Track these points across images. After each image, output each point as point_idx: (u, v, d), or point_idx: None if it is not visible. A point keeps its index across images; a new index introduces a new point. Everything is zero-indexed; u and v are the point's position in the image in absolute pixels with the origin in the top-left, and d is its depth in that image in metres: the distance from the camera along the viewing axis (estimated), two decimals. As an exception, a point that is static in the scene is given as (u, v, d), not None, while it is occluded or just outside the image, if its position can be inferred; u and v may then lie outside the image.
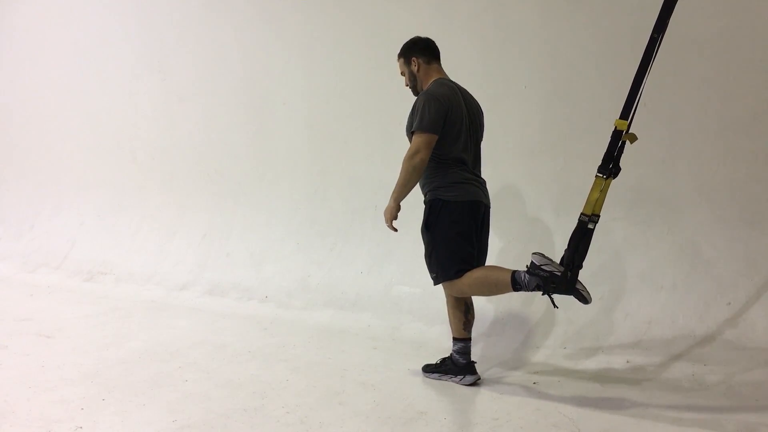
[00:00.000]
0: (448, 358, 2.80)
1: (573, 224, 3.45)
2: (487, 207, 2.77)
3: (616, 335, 3.05)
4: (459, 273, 2.62)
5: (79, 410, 2.48)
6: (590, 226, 2.34)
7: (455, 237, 2.64)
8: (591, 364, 2.92)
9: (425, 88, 2.73)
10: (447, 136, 2.61)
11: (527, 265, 2.46)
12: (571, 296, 2.41)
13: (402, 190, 2.65)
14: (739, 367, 2.71)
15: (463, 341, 2.75)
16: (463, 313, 2.77)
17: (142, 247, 5.04)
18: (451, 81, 2.76)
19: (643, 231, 3.25)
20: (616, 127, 2.31)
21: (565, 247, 2.42)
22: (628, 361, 2.90)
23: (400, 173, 2.63)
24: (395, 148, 4.03)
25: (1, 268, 5.42)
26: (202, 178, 4.94)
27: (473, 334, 2.93)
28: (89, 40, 5.49)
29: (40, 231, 5.72)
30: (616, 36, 3.31)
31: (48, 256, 5.42)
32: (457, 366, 2.74)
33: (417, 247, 3.06)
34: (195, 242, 4.81)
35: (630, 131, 2.31)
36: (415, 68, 2.76)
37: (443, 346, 3.14)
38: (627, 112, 2.29)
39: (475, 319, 2.80)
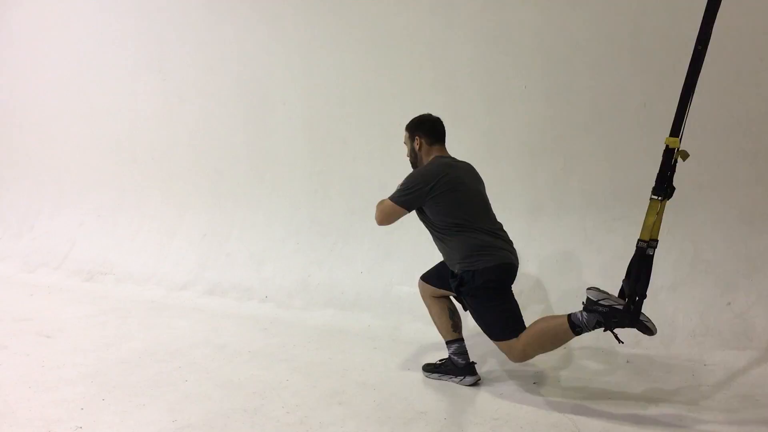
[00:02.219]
0: (447, 359, 2.80)
1: (573, 224, 3.48)
2: (516, 266, 2.65)
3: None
4: (508, 333, 2.51)
5: (79, 410, 2.48)
6: (649, 252, 2.22)
7: (495, 300, 2.55)
8: (591, 364, 2.92)
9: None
10: (448, 203, 2.58)
11: (583, 302, 2.34)
12: (633, 328, 2.28)
13: None
14: (739, 367, 2.71)
15: (456, 342, 2.76)
16: (448, 317, 2.78)
17: (142, 247, 5.04)
18: (450, 157, 2.76)
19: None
20: (667, 146, 2.20)
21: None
22: (628, 361, 2.90)
23: (376, 209, 2.76)
24: (395, 148, 4.03)
25: (1, 268, 5.42)
26: (202, 178, 4.94)
27: (472, 334, 2.93)
28: (89, 40, 5.49)
29: (40, 231, 5.72)
30: (616, 36, 3.32)
31: (48, 256, 5.42)
32: (457, 367, 2.74)
33: (417, 247, 3.07)
34: (195, 242, 4.81)
35: (687, 149, 2.20)
36: (417, 146, 2.77)
37: (443, 346, 3.14)
38: (677, 128, 2.19)
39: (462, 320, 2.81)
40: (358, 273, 4.02)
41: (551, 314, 2.58)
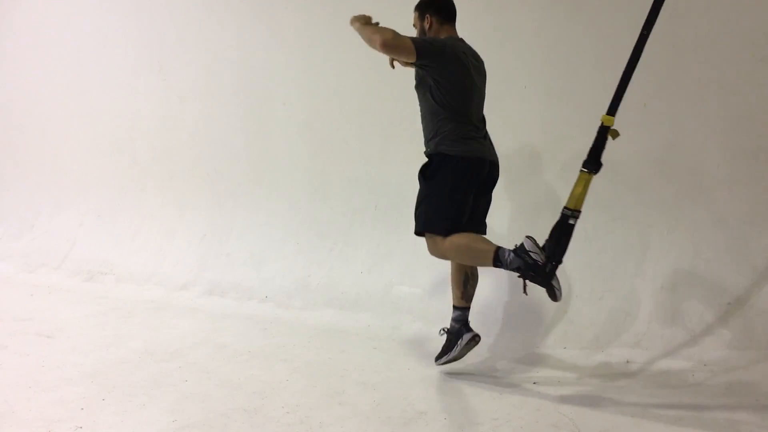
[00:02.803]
0: (447, 332, 2.81)
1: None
2: (494, 163, 2.71)
3: (616, 335, 3.04)
4: (444, 231, 2.58)
5: (79, 410, 2.48)
6: (571, 221, 2.35)
7: (450, 194, 2.60)
8: (591, 364, 2.92)
9: None
10: (454, 88, 2.60)
11: (516, 245, 2.44)
12: (544, 288, 2.40)
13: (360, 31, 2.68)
14: (739, 367, 2.71)
15: (461, 309, 2.79)
16: (462, 282, 2.79)
17: (142, 247, 5.03)
18: (463, 41, 2.74)
19: (643, 231, 3.25)
20: (602, 123, 2.33)
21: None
22: (628, 361, 2.90)
23: (366, 33, 2.64)
24: (395, 148, 4.04)
25: (1, 268, 5.41)
26: (202, 178, 4.94)
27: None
28: (89, 39, 5.49)
29: (40, 231, 5.72)
30: (616, 36, 3.31)
31: (48, 256, 5.41)
32: (452, 333, 2.77)
33: (417, 247, 3.07)
34: (195, 242, 4.81)
35: (614, 127, 2.33)
36: (427, 25, 2.73)
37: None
38: (614, 107, 2.32)
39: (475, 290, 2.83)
40: (358, 273, 4.02)
41: (484, 238, 2.62)
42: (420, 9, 2.77)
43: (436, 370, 2.87)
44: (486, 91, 2.85)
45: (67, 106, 5.71)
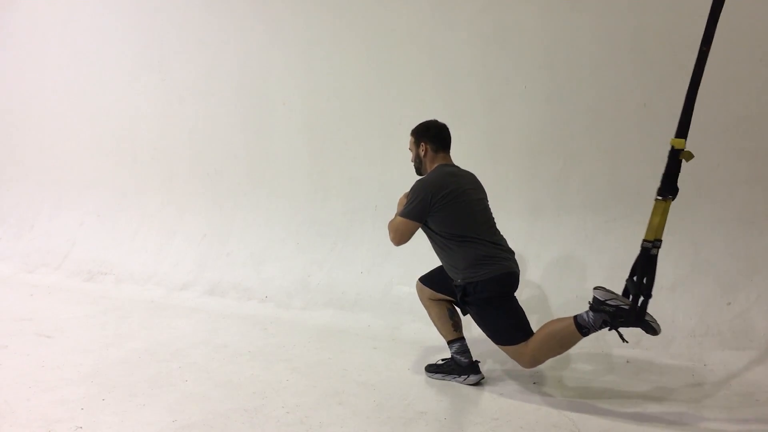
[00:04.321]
0: (450, 359, 2.79)
1: (573, 224, 3.48)
2: (518, 275, 2.66)
3: (616, 335, 3.04)
4: (522, 340, 2.52)
5: (79, 410, 2.48)
6: (654, 252, 2.25)
7: (501, 311, 2.57)
8: (591, 364, 2.92)
9: (427, 173, 2.75)
10: (451, 215, 2.59)
11: (589, 302, 2.36)
12: (639, 328, 2.31)
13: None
14: (739, 367, 2.71)
15: (458, 341, 2.76)
16: (448, 317, 2.78)
17: (142, 247, 5.04)
18: (454, 166, 2.76)
19: (643, 231, 3.24)
20: (673, 147, 2.20)
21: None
22: (628, 361, 2.90)
23: (389, 230, 2.75)
24: (395, 148, 4.04)
25: (1, 268, 5.42)
26: (202, 178, 4.94)
27: (473, 335, 2.93)
28: (89, 40, 5.49)
29: (40, 231, 5.72)
30: (616, 36, 3.32)
31: (48, 256, 5.41)
32: (460, 366, 2.74)
33: (417, 247, 3.07)
34: (195, 242, 4.81)
35: (688, 148, 2.21)
36: (422, 152, 2.76)
37: (443, 346, 3.14)
38: (683, 130, 2.20)
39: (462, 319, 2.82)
40: (358, 273, 4.02)
41: (556, 317, 2.57)
42: (416, 135, 2.80)
43: (436, 370, 2.87)
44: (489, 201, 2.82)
45: (67, 106, 5.71)
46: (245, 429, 2.30)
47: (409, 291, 3.74)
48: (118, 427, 2.33)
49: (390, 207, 4.05)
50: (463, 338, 2.77)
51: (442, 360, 2.84)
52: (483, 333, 2.67)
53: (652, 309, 3.11)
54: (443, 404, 2.53)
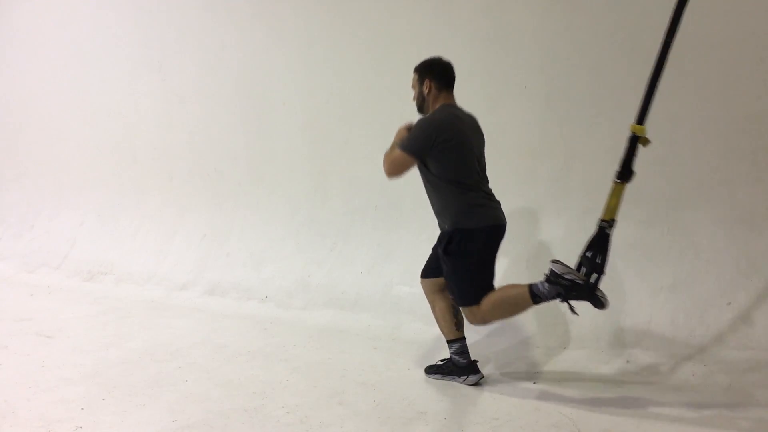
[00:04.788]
0: (449, 359, 2.79)
1: (573, 224, 3.48)
2: (505, 227, 2.70)
3: (616, 335, 3.04)
4: (477, 300, 2.58)
5: (79, 410, 2.48)
6: (608, 231, 2.38)
7: (478, 266, 2.60)
8: (591, 364, 2.91)
9: (430, 111, 2.71)
10: (452, 160, 2.57)
11: (545, 274, 2.43)
12: (589, 302, 2.40)
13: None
14: (739, 367, 2.70)
15: (458, 341, 2.76)
16: (452, 315, 2.78)
17: (142, 247, 5.04)
18: (457, 107, 2.73)
19: (643, 231, 3.25)
20: (633, 133, 2.32)
21: (581, 251, 2.42)
22: (628, 361, 2.90)
23: (384, 161, 2.68)
24: (395, 148, 4.04)
25: (1, 268, 5.42)
26: (202, 178, 4.94)
27: (472, 333, 2.93)
28: (89, 40, 5.49)
29: (40, 231, 5.72)
30: (616, 36, 3.31)
31: (48, 256, 5.42)
32: (458, 367, 2.74)
33: (417, 247, 3.07)
34: (195, 242, 4.81)
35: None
36: (426, 90, 2.71)
37: (443, 346, 3.14)
38: (643, 116, 2.30)
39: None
40: (358, 273, 4.02)
41: (512, 283, 2.63)
42: (420, 72, 2.76)
43: (436, 370, 2.87)
44: (486, 134, 2.84)
45: (67, 106, 5.72)
46: (245, 429, 2.30)
47: (409, 291, 3.74)
48: (118, 427, 2.33)
49: (390, 206, 4.05)
50: (463, 338, 2.77)
51: (441, 360, 2.84)
52: (483, 334, 2.68)
53: (651, 308, 3.12)
54: (443, 404, 2.53)
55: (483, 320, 2.62)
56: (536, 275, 3.48)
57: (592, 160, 3.45)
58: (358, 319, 3.71)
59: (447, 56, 3.92)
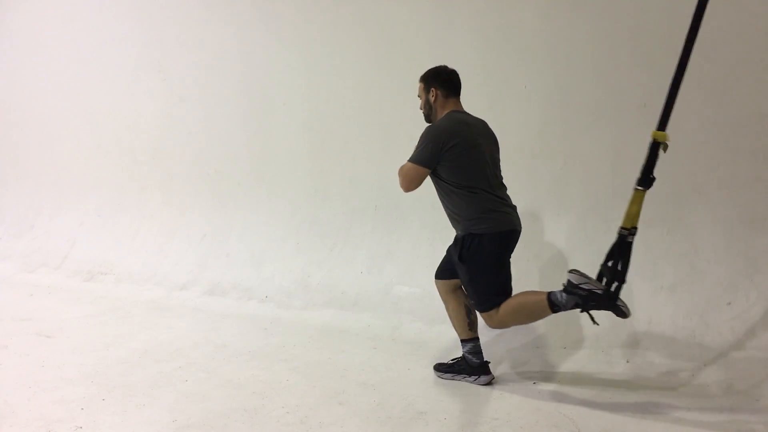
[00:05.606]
0: (461, 358, 2.79)
1: (573, 224, 3.48)
2: (519, 232, 2.69)
3: (616, 335, 3.04)
4: (495, 304, 2.57)
5: (79, 410, 2.48)
6: (629, 239, 2.31)
7: (494, 270, 2.59)
8: (591, 364, 2.92)
9: (437, 119, 2.70)
10: (462, 166, 2.56)
11: (563, 284, 2.41)
12: (610, 311, 2.36)
13: None
14: (739, 367, 2.71)
15: (472, 341, 2.75)
16: (465, 314, 2.77)
17: (142, 247, 5.04)
18: (465, 113, 2.72)
19: (643, 231, 3.24)
20: (654, 139, 2.28)
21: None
22: (628, 361, 2.90)
23: (399, 176, 2.67)
24: (395, 148, 4.04)
25: (1, 268, 5.42)
26: (202, 178, 4.94)
27: (486, 337, 2.92)
28: (89, 40, 5.49)
29: (40, 231, 5.72)
30: (616, 36, 3.32)
31: (48, 256, 5.42)
32: (471, 366, 2.74)
33: (417, 247, 3.07)
34: (195, 242, 4.81)
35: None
36: (432, 98, 2.71)
37: (443, 346, 3.15)
38: (665, 123, 2.27)
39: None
40: (358, 273, 4.02)
41: (529, 292, 2.61)
42: (425, 81, 2.75)
43: (436, 370, 2.87)
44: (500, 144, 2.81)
45: (67, 106, 5.72)
46: (245, 429, 2.30)
47: (409, 291, 3.74)
48: (118, 427, 2.33)
49: (390, 207, 4.05)
50: (477, 338, 2.77)
51: (452, 359, 2.84)
52: (495, 335, 2.67)
53: (652, 308, 3.12)
54: (443, 404, 2.53)
55: (500, 324, 2.60)
56: (537, 275, 3.49)
57: (592, 160, 3.45)
58: (358, 319, 3.71)
59: (447, 56, 3.93)
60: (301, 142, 4.47)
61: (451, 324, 2.86)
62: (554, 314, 2.47)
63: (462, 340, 2.78)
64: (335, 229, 4.26)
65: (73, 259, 5.27)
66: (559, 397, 2.53)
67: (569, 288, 2.39)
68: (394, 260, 3.93)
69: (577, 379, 2.75)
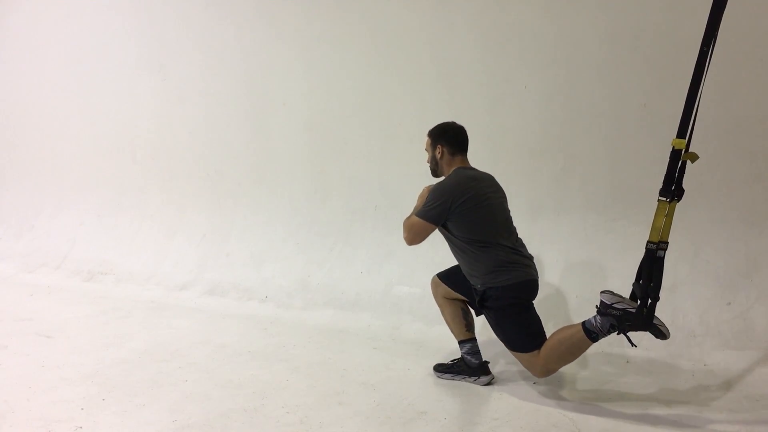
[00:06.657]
0: (460, 359, 2.79)
1: (573, 224, 3.48)
2: (537, 281, 2.65)
3: (615, 335, 3.04)
4: (532, 346, 2.52)
5: (79, 410, 2.48)
6: (659, 254, 2.19)
7: (520, 316, 2.56)
8: (591, 364, 2.92)
9: (444, 176, 2.71)
10: (474, 220, 2.56)
11: (597, 306, 2.36)
12: (647, 332, 2.28)
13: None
14: (739, 368, 2.71)
15: (469, 341, 2.75)
16: (461, 317, 2.77)
17: (142, 247, 5.04)
18: (472, 169, 2.72)
19: (643, 231, 3.24)
20: (673, 147, 2.17)
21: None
22: (628, 361, 2.90)
23: (403, 227, 2.67)
24: (395, 148, 4.05)
25: (1, 268, 5.42)
26: (202, 178, 4.94)
27: (484, 337, 2.92)
28: (89, 39, 5.49)
29: (40, 231, 5.72)
30: (616, 36, 3.32)
31: (48, 256, 5.41)
32: (470, 367, 2.74)
33: (417, 247, 3.06)
34: (195, 242, 4.81)
35: (690, 149, 2.17)
36: (438, 155, 2.71)
37: (443, 346, 3.15)
38: (684, 130, 2.15)
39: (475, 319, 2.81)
40: (358, 273, 4.02)
41: (565, 324, 2.58)
42: (433, 137, 2.75)
43: (436, 370, 2.87)
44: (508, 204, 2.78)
45: (67, 106, 5.72)
46: (245, 429, 2.30)
47: (409, 291, 3.74)
48: (118, 427, 2.33)
49: (390, 207, 4.05)
50: (474, 339, 2.77)
51: (452, 360, 2.84)
52: (493, 335, 2.67)
53: (652, 309, 3.10)
54: (443, 404, 2.53)
55: (546, 370, 2.52)
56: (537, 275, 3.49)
57: (592, 160, 3.45)
58: (358, 319, 3.71)
59: (447, 56, 3.94)
60: (301, 142, 4.47)
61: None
62: (595, 342, 2.37)
63: (459, 342, 2.78)
64: (335, 229, 4.26)
65: (73, 259, 5.27)
66: (559, 397, 2.53)
67: (602, 309, 2.32)
68: (394, 260, 3.93)
69: (577, 380, 2.75)
